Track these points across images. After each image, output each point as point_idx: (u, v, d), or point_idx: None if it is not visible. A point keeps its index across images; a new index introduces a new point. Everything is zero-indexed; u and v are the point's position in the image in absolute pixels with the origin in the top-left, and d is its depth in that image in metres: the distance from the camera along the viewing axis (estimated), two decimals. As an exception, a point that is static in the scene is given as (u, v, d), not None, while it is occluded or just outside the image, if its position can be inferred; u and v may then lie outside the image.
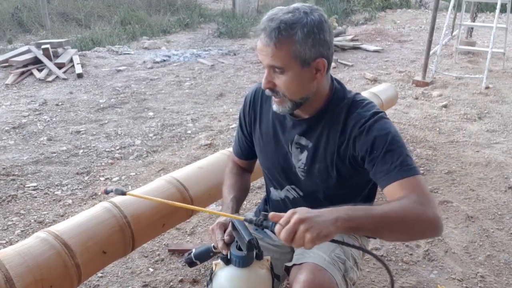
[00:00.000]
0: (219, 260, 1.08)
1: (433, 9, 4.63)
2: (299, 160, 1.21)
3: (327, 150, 1.17)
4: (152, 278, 1.86)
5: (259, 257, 1.07)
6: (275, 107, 1.16)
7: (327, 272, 1.09)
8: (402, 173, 1.04)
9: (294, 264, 1.16)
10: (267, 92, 1.13)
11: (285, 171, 1.25)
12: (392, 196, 1.05)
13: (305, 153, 1.20)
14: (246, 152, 1.39)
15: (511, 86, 4.77)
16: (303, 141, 1.20)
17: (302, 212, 0.88)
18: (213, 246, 1.14)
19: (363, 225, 0.92)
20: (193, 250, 1.18)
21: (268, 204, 1.40)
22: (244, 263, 1.04)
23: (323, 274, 1.08)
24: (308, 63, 1.08)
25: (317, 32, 1.05)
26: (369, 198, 1.30)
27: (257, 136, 1.31)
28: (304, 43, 1.05)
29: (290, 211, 0.89)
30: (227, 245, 1.08)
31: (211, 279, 1.09)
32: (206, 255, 1.16)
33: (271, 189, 1.34)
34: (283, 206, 1.31)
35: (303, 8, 1.07)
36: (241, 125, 1.36)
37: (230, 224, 1.10)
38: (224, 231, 1.10)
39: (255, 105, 1.30)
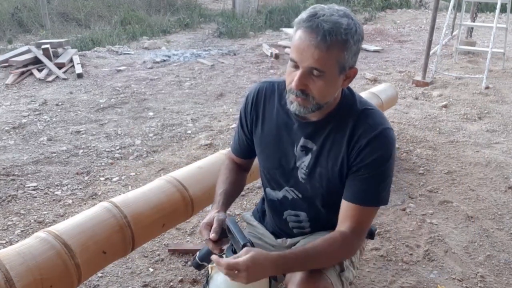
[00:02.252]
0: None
1: (433, 9, 4.63)
2: (302, 162, 1.19)
3: (330, 155, 1.15)
4: (152, 278, 1.86)
5: None
6: (294, 106, 1.09)
7: (322, 272, 1.10)
8: (367, 200, 1.11)
9: None
10: (298, 93, 1.06)
11: (286, 173, 1.23)
12: (343, 209, 1.14)
13: (309, 156, 1.18)
14: (244, 151, 1.36)
15: (511, 86, 4.77)
16: (309, 144, 1.17)
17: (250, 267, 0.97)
18: None
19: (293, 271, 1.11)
20: (197, 254, 1.19)
21: (265, 203, 1.39)
22: None
23: (317, 274, 1.09)
24: (345, 70, 1.06)
25: (360, 41, 1.04)
26: None
27: (258, 136, 1.28)
28: (351, 51, 1.03)
29: (245, 261, 0.97)
30: (216, 242, 1.08)
31: (207, 282, 1.09)
32: (210, 254, 1.16)
33: (268, 189, 1.32)
34: (279, 206, 1.29)
35: (349, 13, 1.03)
36: (242, 123, 1.32)
37: (215, 221, 1.11)
38: (211, 230, 1.10)
39: (257, 104, 1.27)
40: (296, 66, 1.05)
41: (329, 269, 1.13)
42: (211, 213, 1.17)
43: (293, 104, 1.09)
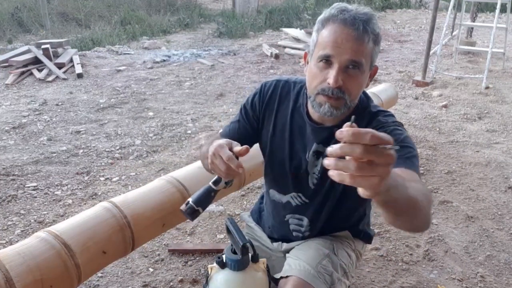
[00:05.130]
0: (215, 264, 1.07)
1: (433, 9, 4.63)
2: (315, 166, 1.15)
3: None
4: (152, 278, 1.86)
5: (255, 259, 1.06)
6: (326, 108, 1.02)
7: (311, 287, 1.08)
8: (412, 164, 0.94)
9: (281, 277, 1.13)
10: (335, 91, 0.99)
11: (296, 178, 1.18)
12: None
13: (320, 160, 1.13)
14: (234, 140, 1.22)
15: (511, 86, 4.77)
16: (321, 149, 1.13)
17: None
18: (212, 183, 1.00)
19: (395, 205, 0.74)
20: (190, 199, 0.99)
21: (266, 202, 1.36)
22: (239, 266, 1.03)
23: None
24: (371, 67, 1.05)
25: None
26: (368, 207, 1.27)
27: (268, 136, 1.22)
28: (379, 46, 1.03)
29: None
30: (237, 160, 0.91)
31: (207, 282, 1.09)
32: (207, 197, 1.00)
33: (272, 191, 1.28)
34: (282, 209, 1.27)
35: None
36: (247, 112, 1.23)
37: (226, 142, 0.95)
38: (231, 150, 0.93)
39: (271, 102, 1.20)
40: (328, 63, 1.00)
41: (319, 283, 1.09)
42: (215, 142, 0.97)
43: (323, 106, 1.03)
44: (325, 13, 1.02)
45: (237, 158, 0.92)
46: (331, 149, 0.60)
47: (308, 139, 1.14)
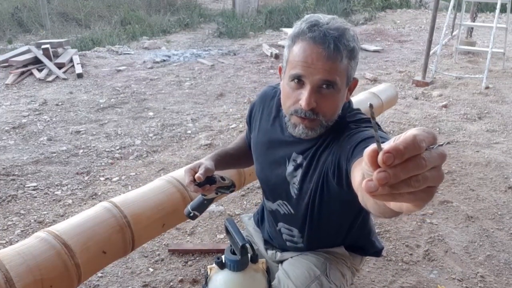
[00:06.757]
0: (214, 265, 1.07)
1: (433, 9, 4.63)
2: (294, 176, 1.11)
3: (316, 170, 1.05)
4: (152, 278, 1.86)
5: (254, 260, 1.06)
6: (300, 130, 1.00)
7: None
8: None
9: None
10: (308, 113, 0.97)
11: (278, 186, 1.16)
12: None
13: (299, 171, 1.09)
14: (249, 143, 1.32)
15: (511, 86, 4.77)
16: (299, 159, 1.09)
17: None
18: (202, 195, 1.15)
19: None
20: (189, 204, 1.20)
21: (264, 209, 1.35)
22: (238, 267, 1.02)
23: None
24: (350, 82, 1.00)
25: (360, 49, 0.99)
26: (363, 224, 1.22)
27: (254, 142, 1.23)
28: (356, 60, 0.97)
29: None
30: (198, 185, 1.07)
31: (206, 283, 1.09)
32: (201, 204, 1.17)
33: (264, 198, 1.27)
34: (273, 217, 1.25)
35: (343, 19, 0.98)
36: (247, 120, 1.28)
37: (201, 167, 1.08)
38: (195, 175, 1.07)
39: (258, 107, 1.22)
40: (300, 83, 0.96)
41: None
42: (199, 161, 1.12)
43: (298, 128, 1.01)
44: (296, 27, 0.97)
45: (210, 178, 1.08)
46: (383, 174, 0.43)
47: (288, 148, 1.11)
